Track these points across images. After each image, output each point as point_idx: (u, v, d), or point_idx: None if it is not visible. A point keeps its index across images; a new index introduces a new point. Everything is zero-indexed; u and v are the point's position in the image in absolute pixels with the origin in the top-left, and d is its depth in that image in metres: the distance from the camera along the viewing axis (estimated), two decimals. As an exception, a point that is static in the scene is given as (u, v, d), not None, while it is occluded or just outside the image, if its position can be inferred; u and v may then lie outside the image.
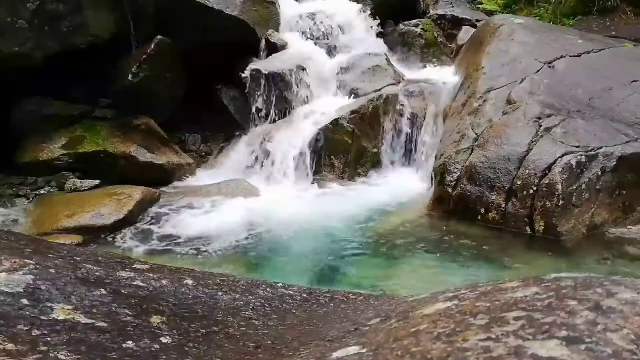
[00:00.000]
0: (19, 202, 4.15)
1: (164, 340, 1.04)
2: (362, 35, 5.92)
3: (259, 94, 4.99)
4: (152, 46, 4.74)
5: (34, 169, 4.36)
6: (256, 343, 1.09)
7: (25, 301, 1.04)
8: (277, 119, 5.05)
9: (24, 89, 4.40)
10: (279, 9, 5.53)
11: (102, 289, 1.18)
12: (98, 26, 4.50)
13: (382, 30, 6.14)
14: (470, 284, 1.11)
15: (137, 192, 4.09)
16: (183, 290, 1.31)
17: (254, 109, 5.03)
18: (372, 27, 6.05)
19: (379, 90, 5.06)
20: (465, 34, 6.14)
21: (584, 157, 3.78)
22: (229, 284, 1.42)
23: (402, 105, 4.92)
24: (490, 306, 0.85)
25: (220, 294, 1.33)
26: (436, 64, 5.93)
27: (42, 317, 1.01)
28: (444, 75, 5.45)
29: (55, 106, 4.55)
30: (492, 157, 3.97)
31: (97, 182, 4.24)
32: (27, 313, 1.01)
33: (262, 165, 4.79)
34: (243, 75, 4.99)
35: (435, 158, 4.48)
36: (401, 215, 4.16)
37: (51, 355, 0.89)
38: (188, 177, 4.77)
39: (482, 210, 3.90)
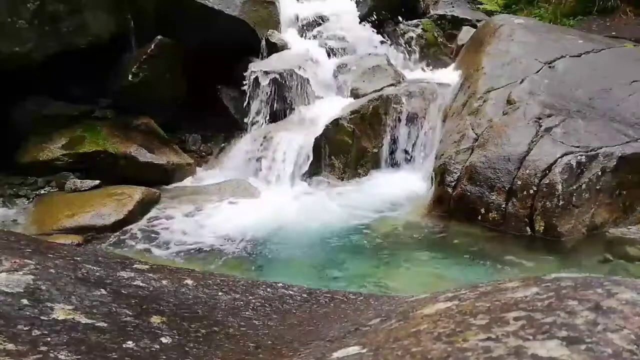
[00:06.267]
0: (19, 202, 4.15)
1: (164, 340, 1.04)
2: (363, 34, 5.91)
3: (259, 94, 4.99)
4: (152, 46, 4.74)
5: (34, 169, 4.36)
6: (256, 343, 1.09)
7: (25, 301, 1.04)
8: (277, 119, 5.05)
9: (24, 89, 4.40)
10: (279, 9, 5.52)
11: (102, 289, 1.18)
12: (98, 26, 4.50)
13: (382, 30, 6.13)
14: (470, 284, 1.11)
15: (137, 192, 4.09)
16: (183, 290, 1.31)
17: (254, 109, 5.03)
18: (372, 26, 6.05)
19: (379, 90, 5.05)
20: (465, 34, 6.14)
21: (584, 157, 3.77)
22: (229, 284, 1.42)
23: (402, 105, 4.91)
24: (490, 306, 0.85)
25: (220, 294, 1.33)
26: (436, 64, 5.92)
27: (42, 317, 1.01)
28: (444, 75, 5.44)
29: (55, 106, 4.54)
30: (492, 157, 3.97)
31: (97, 182, 4.23)
32: (27, 313, 1.00)
33: (262, 165, 4.79)
34: (243, 75, 4.99)
35: (435, 158, 4.48)
36: (401, 215, 4.15)
37: (51, 355, 0.89)
38: (188, 177, 4.77)
39: (482, 210, 3.90)
